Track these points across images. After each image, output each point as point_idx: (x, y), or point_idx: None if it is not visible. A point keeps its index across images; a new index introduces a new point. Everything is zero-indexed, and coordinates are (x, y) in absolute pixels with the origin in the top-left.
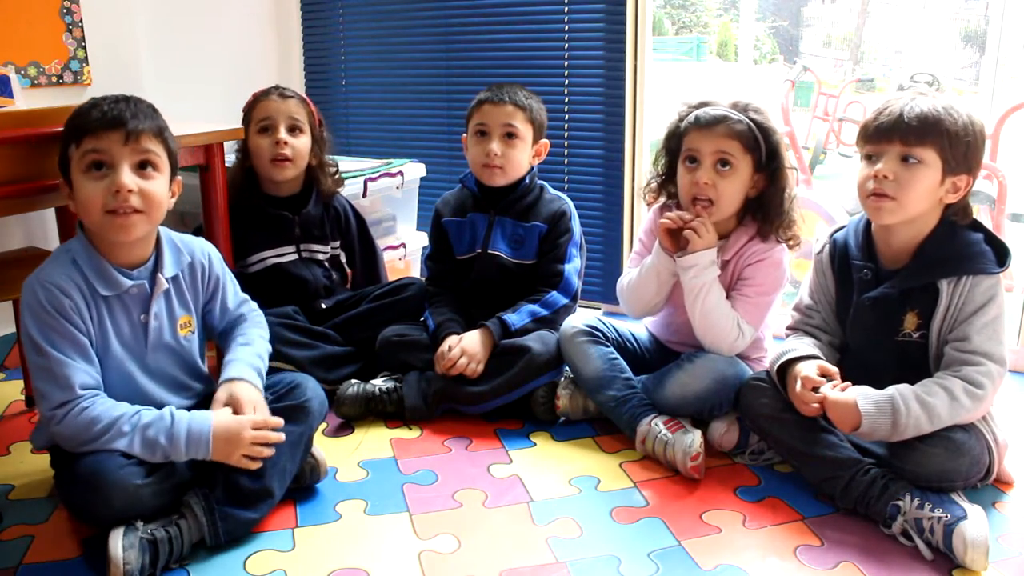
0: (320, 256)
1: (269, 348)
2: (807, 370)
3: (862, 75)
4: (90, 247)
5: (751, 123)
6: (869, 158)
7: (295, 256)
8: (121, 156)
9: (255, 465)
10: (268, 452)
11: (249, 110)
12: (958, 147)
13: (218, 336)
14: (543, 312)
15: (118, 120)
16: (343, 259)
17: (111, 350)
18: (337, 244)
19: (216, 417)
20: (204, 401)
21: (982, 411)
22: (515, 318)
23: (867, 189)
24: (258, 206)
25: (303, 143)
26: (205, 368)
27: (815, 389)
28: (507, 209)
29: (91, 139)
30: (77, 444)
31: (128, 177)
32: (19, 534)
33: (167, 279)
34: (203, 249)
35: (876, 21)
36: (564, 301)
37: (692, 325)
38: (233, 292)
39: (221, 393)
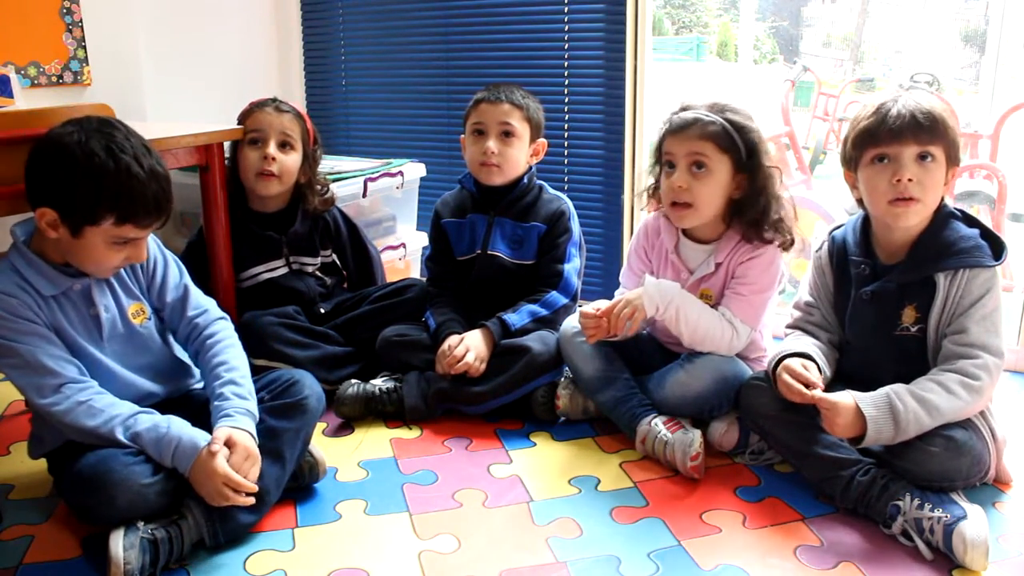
0: (310, 268)
1: (246, 363)
2: (792, 363)
3: (862, 75)
4: (28, 253)
5: (726, 123)
6: (880, 160)
7: (286, 269)
8: (148, 234)
9: (216, 502)
10: (228, 502)
11: (243, 119)
12: (956, 141)
13: (184, 343)
14: (543, 312)
15: (164, 211)
16: (337, 262)
17: (70, 347)
18: (328, 252)
19: (206, 445)
20: (184, 396)
21: (982, 404)
22: (515, 318)
23: (893, 193)
24: (245, 222)
25: (292, 160)
26: (184, 357)
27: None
28: (506, 209)
29: (136, 229)
30: (74, 430)
31: (145, 249)
32: (19, 534)
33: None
34: None
35: (876, 21)
36: (564, 301)
37: (684, 343)
38: (178, 283)
39: (220, 433)
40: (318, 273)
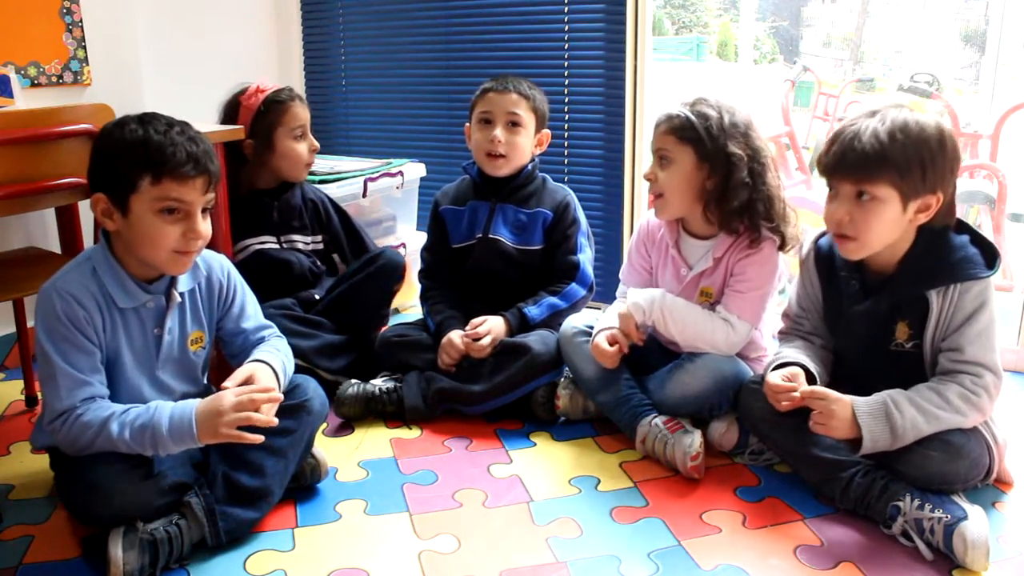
0: (300, 246)
1: (292, 370)
2: (771, 377)
3: (862, 75)
4: (112, 259)
5: (690, 115)
6: (829, 186)
7: (276, 245)
8: (198, 203)
9: (251, 438)
10: (263, 419)
11: (277, 112)
12: (911, 175)
13: (235, 359)
14: (562, 305)
15: (202, 168)
16: (335, 256)
17: (122, 362)
18: (319, 239)
19: (199, 401)
20: None
21: (981, 418)
22: (535, 311)
23: (831, 227)
24: (244, 196)
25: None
26: (205, 380)
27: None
28: (509, 196)
29: (175, 185)
30: (76, 450)
31: (204, 225)
32: (19, 534)
33: (180, 293)
34: (222, 266)
35: (876, 21)
36: (583, 293)
37: (680, 346)
38: (254, 313)
39: (238, 371)
40: (308, 252)
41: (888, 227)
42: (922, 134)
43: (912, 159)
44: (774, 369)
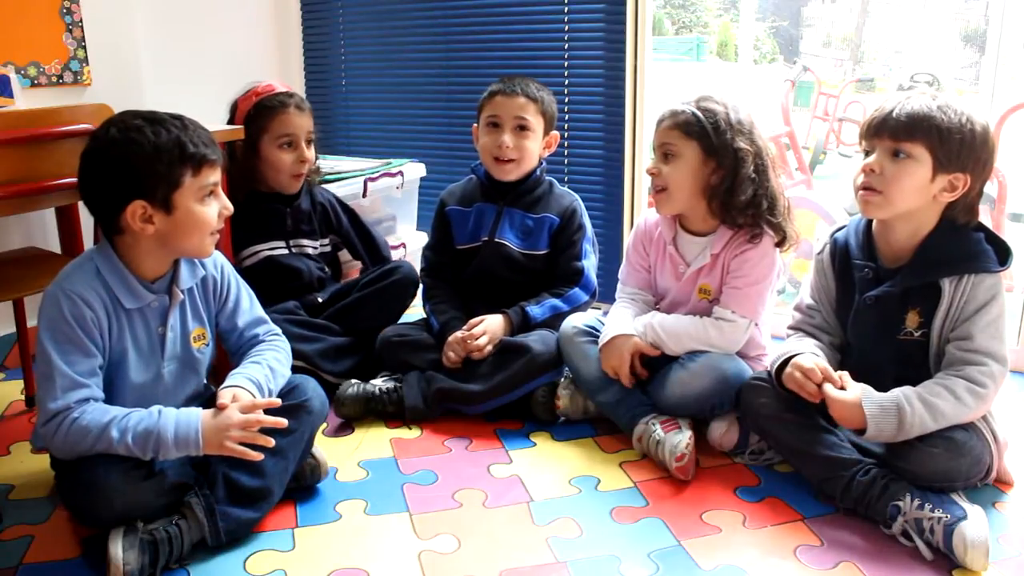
0: (310, 250)
1: (286, 372)
2: (804, 360)
3: (862, 75)
4: (115, 259)
5: (696, 110)
6: (866, 155)
7: (285, 251)
8: (219, 182)
9: (253, 455)
10: (263, 439)
11: (265, 117)
12: (949, 144)
13: (233, 357)
14: (564, 307)
15: (219, 150)
16: (345, 254)
17: (128, 362)
18: (327, 241)
19: (204, 411)
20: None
21: (985, 410)
22: (537, 311)
23: (857, 183)
24: (254, 202)
25: (313, 154)
26: (205, 380)
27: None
28: (516, 200)
29: (210, 171)
30: (72, 455)
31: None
32: (19, 534)
33: (182, 291)
34: (216, 262)
35: (876, 21)
36: (585, 298)
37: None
38: (249, 308)
39: (224, 393)
40: (317, 258)
41: (913, 190)
42: (970, 118)
43: (953, 130)
44: (792, 357)
